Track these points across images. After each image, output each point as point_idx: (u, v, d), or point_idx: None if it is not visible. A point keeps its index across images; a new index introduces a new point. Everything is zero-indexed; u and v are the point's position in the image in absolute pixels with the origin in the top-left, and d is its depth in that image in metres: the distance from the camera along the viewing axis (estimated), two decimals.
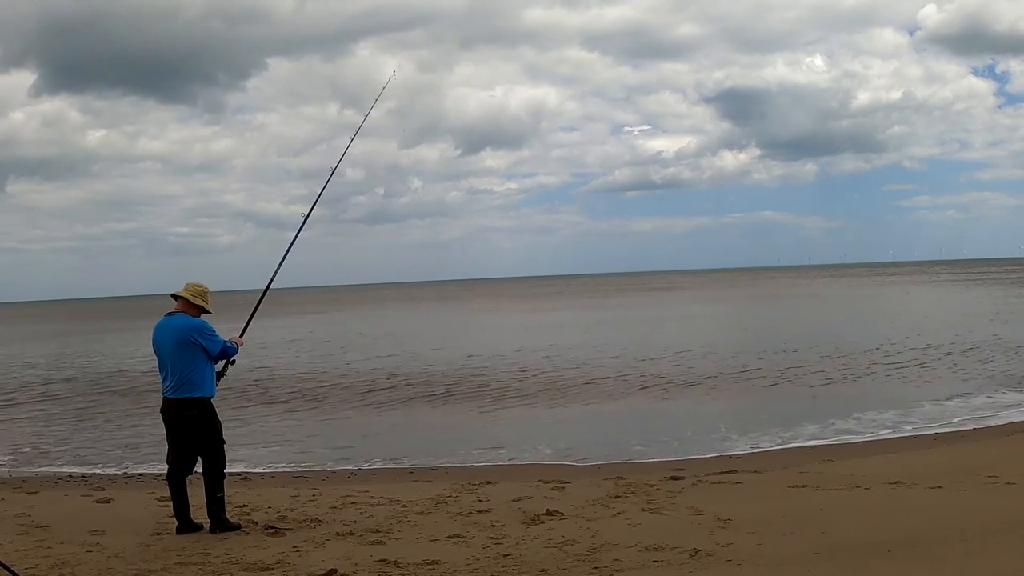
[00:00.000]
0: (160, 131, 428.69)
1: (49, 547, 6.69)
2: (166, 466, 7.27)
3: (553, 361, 24.78)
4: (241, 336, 7.47)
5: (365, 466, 12.21)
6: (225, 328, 7.42)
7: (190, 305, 7.15)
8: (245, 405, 18.22)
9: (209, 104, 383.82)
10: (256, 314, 7.92)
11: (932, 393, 16.86)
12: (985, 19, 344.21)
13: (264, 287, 8.19)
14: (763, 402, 16.91)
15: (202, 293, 7.20)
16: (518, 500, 8.07)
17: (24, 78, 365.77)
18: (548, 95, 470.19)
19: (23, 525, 7.58)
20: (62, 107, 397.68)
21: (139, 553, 6.53)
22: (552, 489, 8.68)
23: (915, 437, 12.75)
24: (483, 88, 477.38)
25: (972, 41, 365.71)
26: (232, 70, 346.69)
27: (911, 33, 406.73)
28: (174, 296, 7.20)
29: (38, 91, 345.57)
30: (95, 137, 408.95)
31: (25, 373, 28.15)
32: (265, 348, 32.01)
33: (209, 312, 7.25)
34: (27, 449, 14.52)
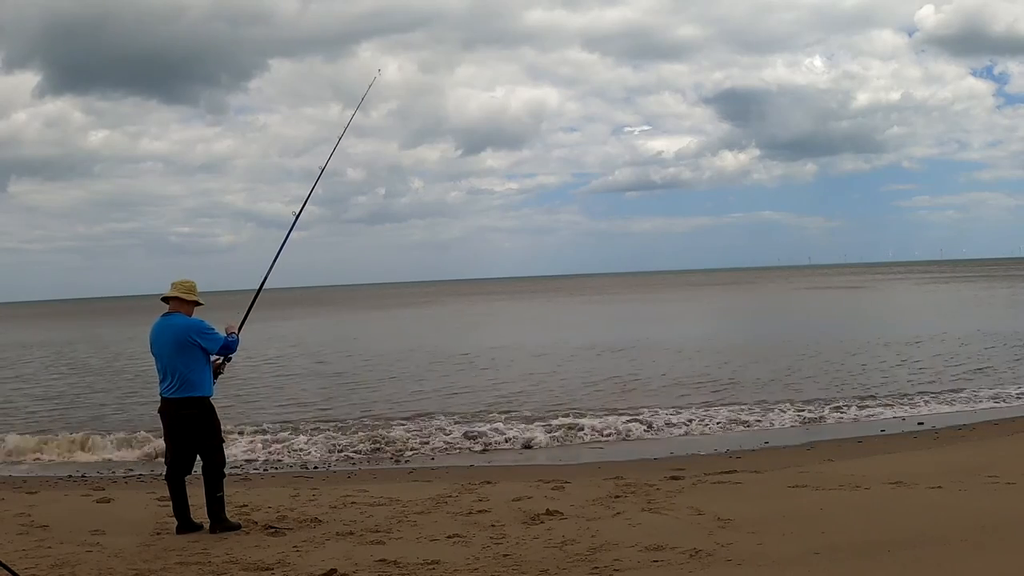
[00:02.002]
0: (162, 131, 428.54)
1: (49, 547, 6.69)
2: (166, 466, 7.28)
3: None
4: (239, 330, 7.44)
5: (365, 466, 12.23)
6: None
7: (184, 303, 7.16)
8: None
9: (211, 105, 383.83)
10: (252, 312, 7.92)
11: None
12: (982, 20, 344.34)
13: (259, 285, 8.19)
14: None
15: (192, 288, 7.21)
16: (518, 500, 8.07)
17: (28, 79, 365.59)
18: (549, 96, 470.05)
19: (23, 525, 7.58)
20: (65, 108, 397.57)
21: (139, 553, 6.53)
22: (552, 489, 8.67)
23: (915, 437, 12.76)
24: (484, 89, 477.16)
25: (970, 42, 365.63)
26: (234, 71, 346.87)
27: (910, 35, 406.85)
28: (165, 299, 7.19)
29: (42, 92, 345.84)
30: (97, 138, 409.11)
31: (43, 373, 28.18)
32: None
33: (200, 304, 7.26)
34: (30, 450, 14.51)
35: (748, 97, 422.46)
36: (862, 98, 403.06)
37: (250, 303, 7.93)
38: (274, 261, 8.19)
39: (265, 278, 8.15)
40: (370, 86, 9.49)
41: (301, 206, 8.36)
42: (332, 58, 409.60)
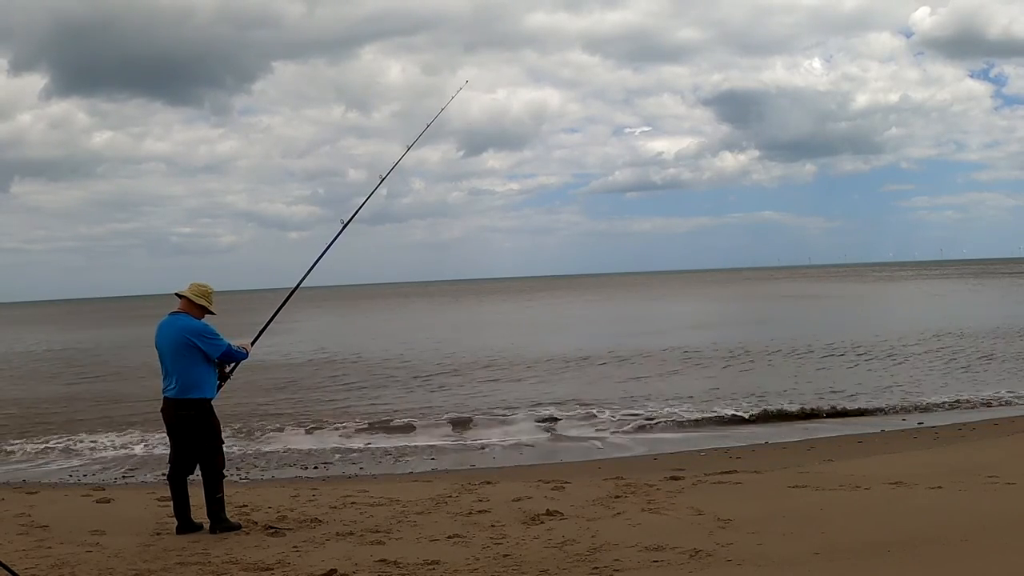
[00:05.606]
0: (165, 132, 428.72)
1: (49, 547, 6.68)
2: (166, 466, 7.27)
3: None
4: (252, 343, 7.43)
5: (364, 471, 12.23)
6: (232, 331, 7.41)
7: (192, 305, 7.13)
8: None
9: (216, 106, 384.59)
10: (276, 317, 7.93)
11: None
12: (978, 23, 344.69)
13: (287, 295, 8.21)
14: None
15: (206, 294, 7.18)
16: (518, 500, 8.06)
17: (35, 81, 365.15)
18: (550, 97, 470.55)
19: (23, 525, 7.57)
20: (70, 109, 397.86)
21: (139, 553, 6.52)
22: (552, 489, 8.67)
23: (915, 437, 12.76)
24: (486, 91, 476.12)
25: (967, 44, 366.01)
26: (239, 73, 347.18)
27: (907, 37, 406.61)
28: (178, 295, 7.19)
29: (48, 94, 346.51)
30: (101, 139, 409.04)
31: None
32: None
33: (212, 313, 7.25)
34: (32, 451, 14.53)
35: (747, 99, 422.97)
36: (861, 99, 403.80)
37: (271, 315, 7.90)
38: (308, 272, 8.29)
39: (293, 291, 8.21)
40: (441, 109, 10.14)
41: (351, 216, 8.51)
42: (335, 60, 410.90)
